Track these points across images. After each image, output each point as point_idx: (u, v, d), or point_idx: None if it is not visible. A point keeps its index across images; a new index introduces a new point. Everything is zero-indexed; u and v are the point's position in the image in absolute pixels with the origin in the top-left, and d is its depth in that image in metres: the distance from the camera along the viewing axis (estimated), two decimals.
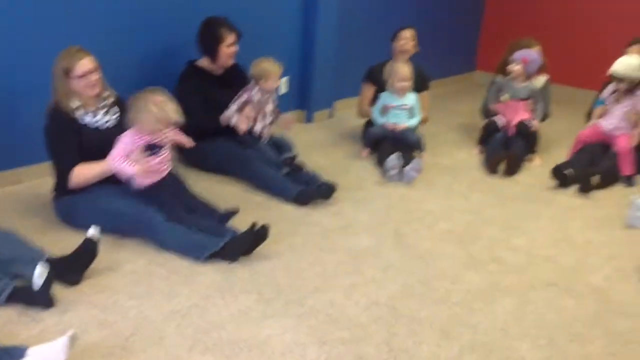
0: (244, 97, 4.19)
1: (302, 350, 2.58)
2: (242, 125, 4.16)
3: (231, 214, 3.43)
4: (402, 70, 4.68)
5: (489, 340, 2.72)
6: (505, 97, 4.92)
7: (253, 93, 4.18)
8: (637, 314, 2.98)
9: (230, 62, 4.33)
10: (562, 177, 4.44)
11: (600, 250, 3.60)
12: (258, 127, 4.23)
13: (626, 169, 4.55)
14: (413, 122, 4.77)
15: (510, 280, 3.23)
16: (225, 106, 4.24)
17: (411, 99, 4.77)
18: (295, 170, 4.16)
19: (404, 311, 2.90)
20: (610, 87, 4.73)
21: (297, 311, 2.85)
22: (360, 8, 5.96)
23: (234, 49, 4.29)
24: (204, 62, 4.35)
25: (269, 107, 4.27)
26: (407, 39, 4.97)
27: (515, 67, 4.84)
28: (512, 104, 4.89)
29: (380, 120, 4.78)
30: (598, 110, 4.86)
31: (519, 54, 4.87)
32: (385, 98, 4.77)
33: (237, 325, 2.71)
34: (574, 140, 4.82)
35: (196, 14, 4.33)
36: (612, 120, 4.65)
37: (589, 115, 5.12)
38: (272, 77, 4.18)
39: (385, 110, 4.76)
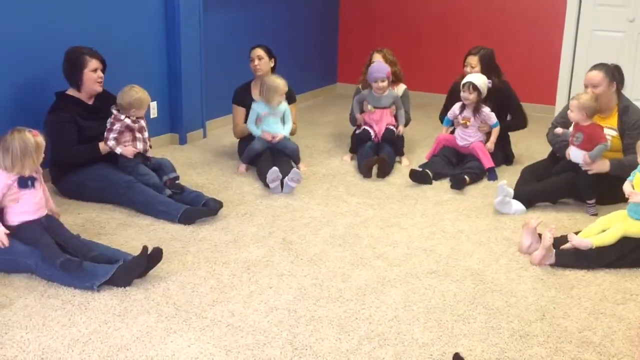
0: (116, 126, 4.17)
1: None
2: (129, 152, 4.18)
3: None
4: (281, 84, 4.79)
5: (384, 329, 2.91)
6: (370, 108, 5.21)
7: (125, 121, 4.17)
8: (509, 291, 3.29)
9: (97, 88, 4.26)
10: (419, 177, 4.76)
11: (471, 237, 3.91)
12: (140, 147, 4.24)
13: (486, 162, 4.92)
14: (287, 128, 4.93)
15: (395, 273, 3.45)
16: (97, 136, 4.22)
17: (282, 106, 4.91)
18: (178, 192, 4.20)
19: (302, 312, 3.03)
20: (457, 108, 5.05)
21: (199, 324, 2.91)
22: (222, 30, 6.07)
23: (98, 74, 4.24)
24: (73, 92, 4.28)
25: (144, 128, 4.28)
26: (254, 58, 5.04)
27: (381, 84, 5.11)
28: (378, 112, 5.19)
29: (257, 131, 4.89)
30: (444, 129, 5.20)
31: (379, 71, 5.12)
32: (257, 107, 4.89)
33: (142, 345, 2.73)
34: (435, 142, 5.16)
35: (61, 45, 4.26)
36: (467, 139, 5.01)
37: (440, 118, 5.45)
38: (144, 106, 4.23)
39: (258, 119, 4.88)
